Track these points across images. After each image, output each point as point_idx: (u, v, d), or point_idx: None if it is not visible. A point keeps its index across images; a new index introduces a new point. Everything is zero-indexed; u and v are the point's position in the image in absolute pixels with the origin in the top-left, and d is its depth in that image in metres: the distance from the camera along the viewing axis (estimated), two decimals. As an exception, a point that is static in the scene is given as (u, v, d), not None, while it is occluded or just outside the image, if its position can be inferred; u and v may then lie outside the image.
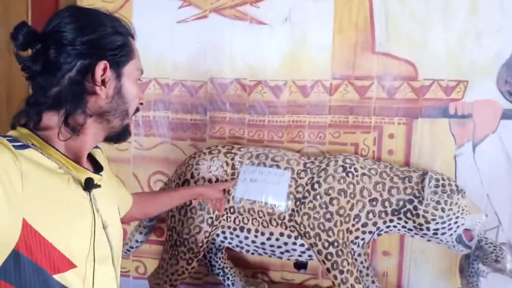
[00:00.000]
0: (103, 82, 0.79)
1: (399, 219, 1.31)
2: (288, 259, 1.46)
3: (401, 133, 1.60)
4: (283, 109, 1.70)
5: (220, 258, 1.60)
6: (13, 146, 0.70)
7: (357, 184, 1.32)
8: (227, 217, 1.41)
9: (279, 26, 1.67)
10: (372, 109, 1.61)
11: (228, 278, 1.61)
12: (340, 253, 1.29)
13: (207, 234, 1.40)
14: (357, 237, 1.33)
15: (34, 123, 0.77)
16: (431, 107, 1.57)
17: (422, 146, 1.58)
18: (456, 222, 1.27)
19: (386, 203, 1.31)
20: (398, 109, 1.59)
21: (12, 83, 1.85)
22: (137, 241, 1.65)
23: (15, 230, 0.68)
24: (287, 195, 1.36)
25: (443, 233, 1.28)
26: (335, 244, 1.29)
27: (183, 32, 1.76)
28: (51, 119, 0.78)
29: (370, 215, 1.32)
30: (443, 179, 1.30)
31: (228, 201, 1.40)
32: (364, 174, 1.34)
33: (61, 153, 0.78)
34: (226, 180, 1.41)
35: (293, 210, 1.35)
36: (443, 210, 1.26)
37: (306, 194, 1.34)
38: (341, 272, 1.28)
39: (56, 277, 0.73)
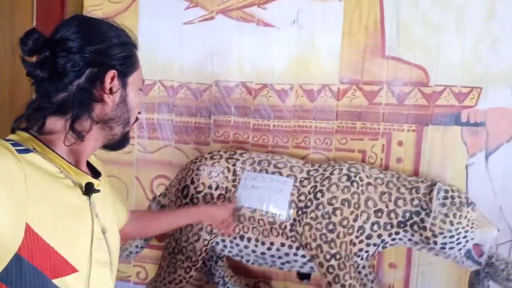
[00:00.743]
0: (111, 90, 0.81)
1: (405, 231, 1.26)
2: (289, 270, 1.41)
3: (410, 141, 1.54)
4: (289, 114, 1.66)
5: (220, 267, 1.56)
6: (16, 150, 0.71)
7: (362, 194, 1.27)
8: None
9: (286, 28, 1.63)
10: (381, 115, 1.56)
11: (228, 287, 1.57)
12: (342, 266, 1.24)
13: (206, 242, 1.36)
14: (360, 250, 1.27)
15: (38, 127, 0.78)
16: (442, 114, 1.51)
17: (432, 155, 1.52)
18: (465, 237, 1.21)
19: (392, 215, 1.26)
20: (408, 116, 1.53)
21: (16, 85, 1.84)
22: (137, 246, 1.62)
23: (18, 234, 0.68)
24: (289, 203, 1.31)
25: (451, 248, 1.22)
26: (337, 256, 1.24)
27: (189, 34, 1.74)
28: (56, 123, 0.79)
29: (375, 227, 1.26)
30: (452, 191, 1.24)
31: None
32: (369, 183, 1.29)
33: (62, 157, 0.79)
34: (226, 187, 1.38)
35: (294, 219, 1.30)
36: (451, 223, 1.20)
37: (309, 203, 1.29)
38: (343, 286, 1.23)
39: (56, 281, 0.73)
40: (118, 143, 0.89)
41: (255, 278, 1.71)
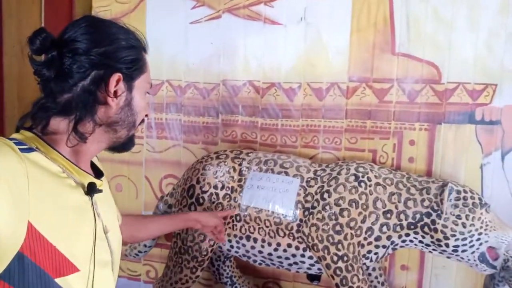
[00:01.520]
0: (115, 94, 0.81)
1: (416, 233, 1.21)
2: (297, 271, 1.38)
3: (422, 140, 1.49)
4: (297, 113, 1.63)
5: (228, 267, 1.55)
6: (19, 149, 0.71)
7: (370, 194, 1.23)
8: (233, 225, 1.35)
9: (294, 26, 1.60)
10: (391, 113, 1.52)
11: (236, 287, 1.55)
12: (350, 268, 1.20)
13: (211, 242, 1.35)
14: (369, 251, 1.24)
15: (41, 127, 0.78)
16: (455, 112, 1.46)
17: (445, 154, 1.47)
18: (478, 239, 1.16)
19: (402, 216, 1.22)
20: (419, 114, 1.49)
21: (24, 83, 1.87)
22: (145, 245, 1.62)
23: (20, 233, 0.68)
24: (295, 204, 1.29)
25: (463, 250, 1.17)
26: (345, 258, 1.21)
27: (196, 33, 1.73)
28: (59, 124, 0.79)
29: (384, 228, 1.22)
30: (465, 191, 1.20)
31: (234, 208, 1.34)
32: (378, 184, 1.25)
33: (65, 157, 0.79)
34: (232, 187, 1.36)
35: (301, 220, 1.28)
36: (464, 225, 1.15)
37: (315, 204, 1.26)
38: (351, 288, 1.20)
39: (58, 280, 0.73)
40: (122, 146, 0.89)
41: (264, 278, 1.69)
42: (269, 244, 1.32)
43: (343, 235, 1.21)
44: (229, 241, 1.38)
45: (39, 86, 0.80)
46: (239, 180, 1.36)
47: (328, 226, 1.22)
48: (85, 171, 0.82)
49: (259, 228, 1.32)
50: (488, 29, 1.40)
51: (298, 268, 1.35)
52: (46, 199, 0.72)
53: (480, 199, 1.19)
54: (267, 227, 1.31)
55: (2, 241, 0.65)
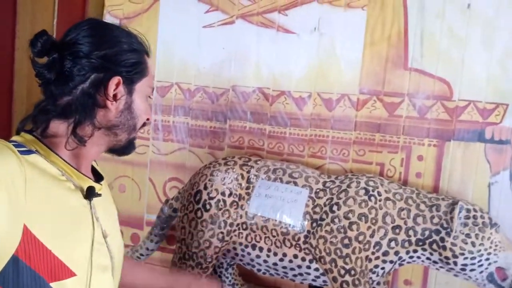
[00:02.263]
0: (115, 97, 0.80)
1: (424, 250, 1.21)
2: (302, 283, 1.38)
3: (431, 156, 1.49)
4: (306, 122, 1.63)
5: (231, 274, 1.54)
6: (19, 151, 0.71)
7: (380, 209, 1.23)
8: (239, 233, 1.34)
9: (307, 35, 1.60)
10: (401, 128, 1.52)
11: (238, 296, 1.54)
12: (357, 282, 1.20)
13: (217, 250, 1.34)
14: (376, 266, 1.23)
15: (41, 129, 0.78)
16: (465, 129, 1.46)
17: (453, 171, 1.47)
18: (487, 259, 1.16)
19: (411, 232, 1.21)
20: (429, 130, 1.49)
21: (33, 82, 1.85)
22: (147, 249, 1.61)
23: (15, 236, 0.67)
24: (304, 215, 1.28)
25: (472, 270, 1.17)
26: (352, 272, 1.20)
27: (208, 37, 1.72)
28: (59, 127, 0.79)
29: (392, 244, 1.22)
30: (475, 210, 1.20)
31: (241, 216, 1.33)
32: (388, 198, 1.25)
33: (64, 160, 0.79)
34: (239, 194, 1.35)
35: (308, 231, 1.27)
36: (473, 244, 1.15)
37: (324, 216, 1.26)
38: (357, 303, 1.19)
39: (54, 285, 0.72)
40: (122, 149, 0.88)
41: (266, 287, 1.68)
42: (275, 254, 1.31)
43: (351, 248, 1.21)
44: (234, 249, 1.37)
45: (40, 88, 0.81)
46: (247, 188, 1.35)
47: (337, 239, 1.22)
48: (84, 175, 0.81)
49: (265, 237, 1.32)
50: (503, 49, 1.41)
51: (303, 279, 1.35)
52: (43, 202, 0.72)
53: (490, 218, 1.19)
54: (273, 236, 1.30)
55: None
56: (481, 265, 1.16)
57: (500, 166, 1.43)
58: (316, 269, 1.29)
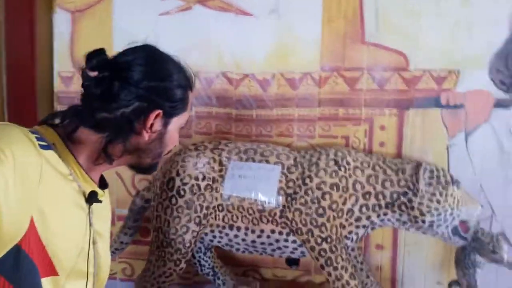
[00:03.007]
0: (151, 127, 0.81)
1: (393, 212, 1.28)
2: (280, 256, 1.41)
3: (392, 125, 1.56)
4: (271, 103, 1.65)
5: (209, 258, 1.55)
6: (39, 145, 0.72)
7: (350, 177, 1.28)
8: (215, 215, 1.35)
9: (265, 17, 1.62)
10: (362, 101, 1.58)
11: (218, 278, 1.56)
12: (334, 249, 1.25)
13: (195, 234, 1.34)
14: (350, 232, 1.29)
15: (68, 130, 0.79)
16: (422, 97, 1.54)
17: (414, 137, 1.55)
18: (451, 214, 1.24)
19: (380, 196, 1.28)
20: (389, 101, 1.56)
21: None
22: (122, 242, 1.59)
23: (22, 226, 0.68)
24: (278, 190, 1.31)
25: (438, 225, 1.25)
26: (328, 240, 1.25)
27: (166, 25, 1.70)
28: (88, 136, 0.79)
29: (364, 209, 1.28)
30: (437, 170, 1.27)
31: (216, 198, 1.35)
32: (356, 167, 1.30)
33: (77, 162, 0.79)
34: (213, 177, 1.36)
35: (284, 206, 1.30)
36: (438, 202, 1.23)
37: (297, 190, 1.29)
38: (335, 268, 1.24)
39: (43, 280, 0.74)
40: (143, 170, 0.89)
41: (244, 267, 1.70)
42: (253, 232, 1.34)
43: (325, 217, 1.25)
44: (212, 231, 1.38)
45: (81, 94, 0.82)
46: (220, 170, 1.36)
47: (311, 210, 1.26)
48: (91, 179, 0.81)
49: (242, 217, 1.34)
50: (454, 20, 1.49)
51: (282, 253, 1.38)
52: (51, 199, 0.73)
53: (451, 177, 1.27)
54: (250, 215, 1.33)
55: (4, 231, 0.65)
56: (446, 220, 1.24)
57: (456, 129, 1.52)
58: (294, 241, 1.33)
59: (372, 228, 1.33)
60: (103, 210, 0.87)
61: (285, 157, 1.37)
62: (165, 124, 0.83)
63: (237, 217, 1.34)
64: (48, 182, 0.72)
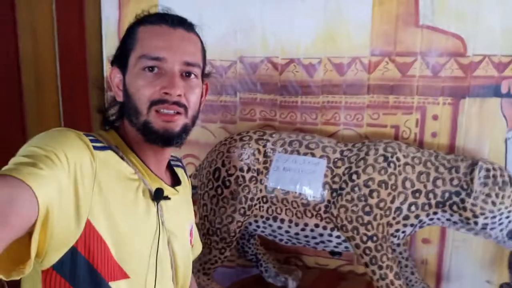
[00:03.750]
0: (119, 86, 0.82)
1: (444, 211, 1.23)
2: (323, 250, 1.41)
3: (446, 114, 1.47)
4: (317, 89, 1.61)
5: (253, 245, 1.58)
6: (93, 146, 0.72)
7: (399, 174, 1.24)
8: (259, 206, 1.36)
9: (312, -1, 1.55)
10: (414, 88, 1.49)
11: (261, 265, 1.59)
12: (379, 247, 1.23)
13: (239, 224, 1.37)
14: (397, 230, 1.26)
15: (120, 128, 0.84)
16: (480, 85, 1.43)
17: (469, 128, 1.46)
18: (508, 217, 1.17)
19: (430, 195, 1.22)
20: (443, 88, 1.46)
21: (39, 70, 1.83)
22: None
23: (78, 229, 0.69)
24: (323, 185, 1.29)
25: (492, 228, 1.19)
26: (374, 238, 1.23)
27: (211, 8, 1.67)
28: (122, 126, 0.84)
29: (413, 208, 1.24)
30: (494, 169, 1.20)
31: (261, 190, 1.35)
32: (407, 163, 1.25)
33: (141, 159, 0.80)
34: (258, 169, 1.36)
35: (329, 201, 1.29)
36: (493, 203, 1.16)
37: (344, 185, 1.27)
38: (380, 267, 1.22)
39: (112, 284, 0.73)
40: (145, 135, 0.78)
41: (286, 253, 1.73)
42: (296, 224, 1.34)
43: (372, 216, 1.23)
44: (256, 221, 1.40)
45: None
46: (265, 162, 1.36)
47: (358, 208, 1.23)
48: (157, 176, 0.81)
49: (286, 209, 1.34)
50: (518, -1, 1.36)
51: (325, 247, 1.38)
52: (109, 200, 0.72)
53: (510, 177, 1.20)
54: (294, 208, 1.33)
55: (61, 231, 0.66)
56: (502, 223, 1.18)
57: (517, 121, 1.41)
58: (338, 237, 1.32)
59: (421, 227, 1.29)
60: (179, 207, 0.86)
61: (331, 150, 1.34)
62: (122, 73, 0.80)
63: (281, 210, 1.34)
64: (106, 184, 0.72)
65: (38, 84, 1.83)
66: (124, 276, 0.74)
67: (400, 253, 1.42)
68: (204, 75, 0.87)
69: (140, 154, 0.80)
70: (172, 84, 0.75)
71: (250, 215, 1.38)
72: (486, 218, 1.17)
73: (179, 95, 0.76)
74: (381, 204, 1.22)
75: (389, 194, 1.22)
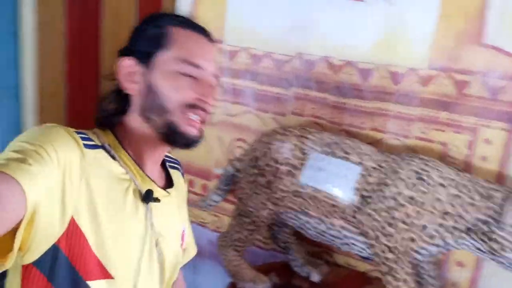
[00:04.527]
0: (131, 77, 0.79)
1: (473, 239, 1.21)
2: (348, 252, 1.46)
3: (500, 140, 1.41)
4: (369, 94, 1.62)
5: (285, 233, 1.67)
6: (84, 145, 0.72)
7: (430, 193, 1.23)
8: (291, 199, 1.44)
9: (376, 4, 1.55)
10: (469, 108, 1.45)
11: (290, 254, 1.68)
12: (398, 260, 1.25)
13: (270, 212, 1.46)
14: (422, 248, 1.26)
15: (115, 125, 0.82)
16: (543, 115, 1.35)
17: (522, 158, 1.39)
18: (537, 256, 1.13)
19: (460, 220, 1.21)
20: (500, 112, 1.40)
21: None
22: (213, 200, 1.79)
23: (60, 226, 0.68)
24: (353, 190, 1.33)
25: (520, 264, 1.15)
26: (394, 250, 1.25)
27: (277, 4, 1.73)
28: (121, 121, 0.83)
29: (440, 229, 1.23)
30: (531, 205, 1.15)
31: (294, 184, 1.42)
32: (440, 184, 1.24)
33: (132, 158, 0.79)
34: (293, 164, 1.43)
35: (357, 207, 1.32)
36: (523, 239, 1.12)
37: (372, 194, 1.30)
38: (397, 279, 1.25)
39: (91, 284, 0.72)
40: (167, 137, 0.80)
41: (319, 247, 1.79)
42: (324, 223, 1.40)
43: (395, 228, 1.25)
44: (287, 212, 1.48)
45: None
46: (302, 159, 1.43)
47: (382, 218, 1.26)
48: (148, 177, 0.81)
49: (315, 207, 1.40)
50: None
51: (350, 249, 1.43)
52: (96, 199, 0.72)
53: (546, 216, 1.14)
54: (323, 207, 1.38)
55: (44, 227, 0.66)
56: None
57: None
58: (363, 242, 1.36)
59: (448, 249, 1.28)
60: (170, 209, 0.86)
61: (368, 158, 1.37)
62: (148, 70, 0.78)
63: (311, 206, 1.41)
64: (92, 184, 0.71)
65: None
66: (107, 276, 0.74)
67: (428, 270, 1.42)
68: None
69: (134, 154, 0.80)
70: (209, 93, 0.80)
71: (282, 206, 1.46)
72: (513, 253, 1.14)
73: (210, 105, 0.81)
74: (406, 219, 1.24)
75: (416, 210, 1.23)
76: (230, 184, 1.74)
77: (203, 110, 0.80)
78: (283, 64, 1.76)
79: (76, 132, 0.73)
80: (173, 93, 0.77)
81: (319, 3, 1.65)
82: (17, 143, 0.65)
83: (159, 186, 0.84)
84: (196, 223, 2.08)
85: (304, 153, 1.43)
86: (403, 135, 1.57)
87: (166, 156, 0.94)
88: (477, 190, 1.22)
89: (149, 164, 0.83)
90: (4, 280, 0.74)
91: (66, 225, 0.69)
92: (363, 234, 1.31)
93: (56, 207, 0.67)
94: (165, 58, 0.78)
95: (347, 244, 1.40)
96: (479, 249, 1.22)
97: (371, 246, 1.29)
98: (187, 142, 0.80)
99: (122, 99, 0.81)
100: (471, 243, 1.22)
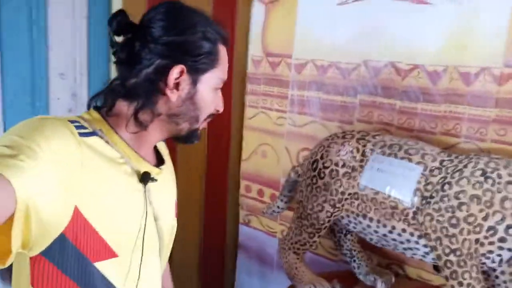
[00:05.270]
0: (177, 86, 0.78)
1: (551, 243, 1.07)
2: (412, 257, 1.37)
3: None
4: (440, 98, 1.55)
5: (349, 240, 1.63)
6: (79, 133, 0.72)
7: (498, 192, 1.13)
8: (350, 202, 1.42)
9: (442, 5, 1.50)
10: (552, 107, 1.31)
11: (354, 261, 1.63)
12: (462, 263, 1.14)
13: (329, 214, 1.45)
14: (490, 251, 1.15)
15: (107, 108, 0.80)
16: None
17: None
18: None
19: (536, 222, 1.08)
20: None
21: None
22: (278, 207, 1.82)
23: (65, 216, 0.69)
24: (414, 191, 1.27)
25: None
26: (458, 253, 1.15)
27: (342, 14, 1.77)
28: (123, 108, 0.79)
29: (511, 231, 1.11)
30: None
31: (353, 186, 1.40)
32: (509, 182, 1.13)
33: (126, 142, 0.79)
34: (353, 166, 1.41)
35: (418, 208, 1.26)
36: None
37: (434, 194, 1.22)
38: (460, 284, 1.14)
39: (97, 265, 0.74)
40: (184, 139, 0.86)
41: (389, 259, 1.70)
42: (384, 226, 1.35)
43: (458, 229, 1.15)
44: (347, 216, 1.46)
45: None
46: (361, 161, 1.41)
47: (444, 218, 1.18)
48: (144, 158, 0.82)
49: (375, 209, 1.36)
50: None
51: (413, 254, 1.34)
52: (97, 185, 0.73)
53: None
54: (383, 209, 1.34)
55: (47, 221, 0.67)
56: None
57: None
58: (425, 246, 1.27)
59: (523, 255, 1.15)
60: (163, 186, 0.88)
61: (431, 158, 1.30)
62: (194, 82, 0.79)
63: (370, 209, 1.37)
64: (92, 170, 0.72)
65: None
66: (112, 255, 0.76)
67: (505, 281, 1.27)
68: None
69: (130, 138, 0.80)
70: (223, 105, 0.88)
71: (341, 208, 1.44)
72: None
73: None
74: (470, 219, 1.14)
75: (481, 210, 1.13)
76: (292, 190, 1.77)
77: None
78: (349, 73, 1.78)
79: (69, 121, 0.73)
80: (209, 106, 0.84)
81: (385, 10, 1.65)
82: (8, 136, 0.64)
83: (153, 166, 0.85)
84: (264, 232, 2.12)
85: (364, 155, 1.41)
86: (478, 139, 1.46)
87: None
88: (556, 190, 1.08)
89: (145, 148, 0.84)
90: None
91: (70, 215, 0.70)
92: (425, 236, 1.23)
93: (57, 200, 0.67)
94: (212, 76, 0.82)
95: (410, 248, 1.32)
96: None
97: (433, 248, 1.21)
98: (192, 142, 0.88)
99: (130, 91, 0.78)
100: (552, 250, 1.08)
